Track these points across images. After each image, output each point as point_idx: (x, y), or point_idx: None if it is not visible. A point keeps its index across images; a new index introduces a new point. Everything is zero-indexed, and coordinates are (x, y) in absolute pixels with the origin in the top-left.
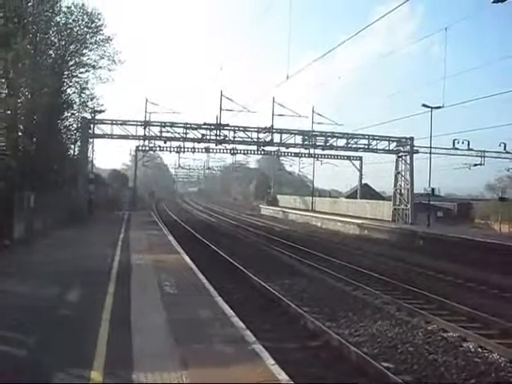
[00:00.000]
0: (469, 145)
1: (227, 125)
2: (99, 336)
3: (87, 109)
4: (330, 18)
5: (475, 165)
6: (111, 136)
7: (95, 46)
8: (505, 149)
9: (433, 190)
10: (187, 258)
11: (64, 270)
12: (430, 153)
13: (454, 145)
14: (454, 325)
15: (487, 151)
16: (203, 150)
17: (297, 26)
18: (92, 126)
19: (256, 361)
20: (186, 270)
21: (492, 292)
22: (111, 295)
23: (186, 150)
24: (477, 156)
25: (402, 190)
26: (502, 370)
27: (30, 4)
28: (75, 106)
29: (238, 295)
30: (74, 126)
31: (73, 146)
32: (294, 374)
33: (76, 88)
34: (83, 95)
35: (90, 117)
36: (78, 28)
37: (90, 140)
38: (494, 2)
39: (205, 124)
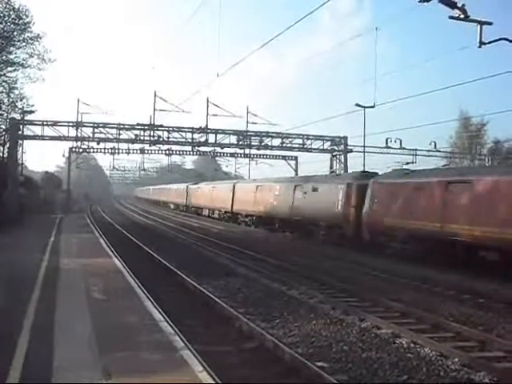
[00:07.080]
0: (401, 143)
1: (161, 125)
2: (17, 347)
3: (16, 109)
4: (273, 13)
5: (407, 163)
6: (42, 137)
7: (23, 43)
8: (435, 147)
9: None
10: (118, 262)
11: None
12: (364, 152)
13: (386, 143)
14: (388, 321)
15: (419, 149)
16: (138, 151)
17: (236, 22)
18: (22, 127)
19: (183, 368)
20: (116, 274)
21: (424, 287)
22: (35, 302)
23: (120, 151)
24: (409, 154)
25: None
26: (432, 364)
27: None
28: (3, 107)
29: (170, 298)
30: (3, 127)
31: (1, 149)
32: (225, 379)
33: (4, 88)
34: (12, 95)
35: (19, 117)
36: (3, 24)
37: (20, 142)
38: (420, 2)
39: (138, 124)
